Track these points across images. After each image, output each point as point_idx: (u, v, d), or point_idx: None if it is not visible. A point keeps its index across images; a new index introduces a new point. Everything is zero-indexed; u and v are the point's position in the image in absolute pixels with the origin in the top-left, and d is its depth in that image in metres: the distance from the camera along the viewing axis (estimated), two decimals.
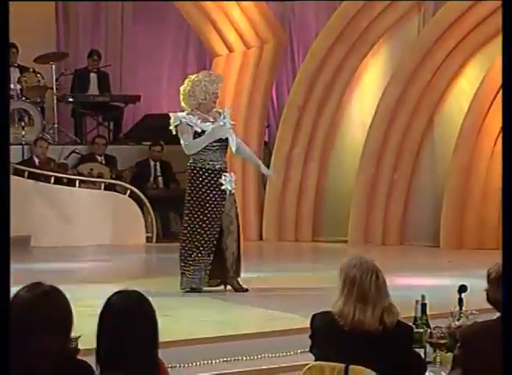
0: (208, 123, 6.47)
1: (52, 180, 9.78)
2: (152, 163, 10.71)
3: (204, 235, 6.41)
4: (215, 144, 6.48)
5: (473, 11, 9.54)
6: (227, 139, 6.54)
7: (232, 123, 6.68)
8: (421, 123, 9.86)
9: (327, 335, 3.31)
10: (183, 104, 6.63)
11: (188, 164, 6.62)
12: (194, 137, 6.48)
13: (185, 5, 10.43)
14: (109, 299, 2.73)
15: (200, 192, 6.43)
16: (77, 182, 9.87)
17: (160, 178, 10.70)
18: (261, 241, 10.32)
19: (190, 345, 4.87)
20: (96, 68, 11.45)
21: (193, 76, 6.72)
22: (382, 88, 9.90)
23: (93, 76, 11.41)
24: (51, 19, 11.94)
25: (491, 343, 3.10)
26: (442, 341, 3.53)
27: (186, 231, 6.52)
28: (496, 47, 9.62)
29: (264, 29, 10.33)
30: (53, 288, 2.64)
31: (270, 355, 4.85)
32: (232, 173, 6.59)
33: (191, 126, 6.46)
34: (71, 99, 11.23)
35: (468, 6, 9.54)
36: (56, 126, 11.07)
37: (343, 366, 3.13)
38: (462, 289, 3.81)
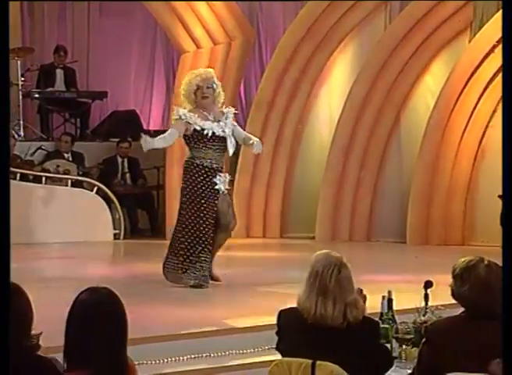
0: (208, 122, 6.50)
1: (18, 177, 9.70)
2: (120, 160, 10.66)
3: (204, 231, 6.48)
4: (215, 143, 6.53)
5: (438, 8, 9.63)
6: (226, 139, 6.57)
7: (234, 123, 6.70)
8: (388, 119, 9.92)
9: (293, 331, 3.32)
10: (184, 105, 6.66)
11: (186, 159, 6.68)
12: (193, 135, 6.52)
13: (152, 1, 10.39)
14: (79, 296, 2.72)
15: (196, 188, 6.51)
16: (44, 179, 9.79)
17: (128, 175, 10.66)
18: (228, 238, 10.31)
19: (158, 342, 4.86)
20: (62, 64, 11.36)
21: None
22: (350, 85, 9.94)
23: (59, 72, 11.32)
24: (16, 13, 11.82)
25: (456, 338, 3.14)
26: (408, 337, 3.56)
27: (183, 226, 6.56)
28: (462, 44, 9.72)
29: (231, 26, 10.33)
30: (14, 286, 2.63)
31: (237, 352, 4.86)
32: (227, 174, 6.67)
33: (190, 123, 6.50)
34: (37, 95, 11.13)
35: (434, 4, 9.62)
36: (22, 122, 10.97)
37: (309, 361, 3.15)
38: (428, 285, 3.86)
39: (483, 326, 3.14)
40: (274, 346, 3.48)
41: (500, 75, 9.50)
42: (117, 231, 9.97)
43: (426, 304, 3.80)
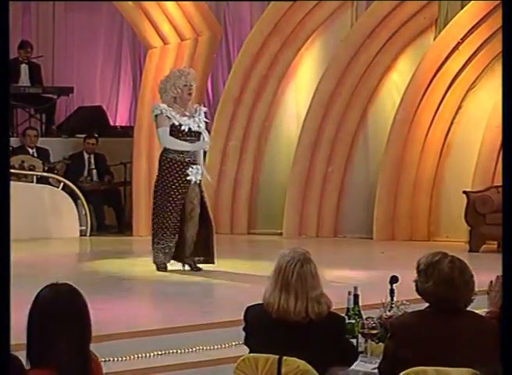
0: (185, 118, 6.88)
1: None
2: (86, 156, 10.59)
3: (168, 219, 6.91)
4: (188, 138, 6.88)
5: (404, 5, 9.69)
6: (200, 134, 6.93)
7: (206, 120, 7.07)
8: (355, 115, 9.97)
9: (259, 326, 3.33)
10: (160, 101, 7.01)
11: (161, 152, 7.08)
12: (171, 130, 6.86)
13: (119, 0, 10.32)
14: (40, 292, 2.70)
15: (167, 181, 6.90)
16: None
17: (94, 171, 10.60)
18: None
19: (125, 339, 4.84)
20: (27, 59, 11.26)
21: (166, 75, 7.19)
22: (317, 81, 9.98)
23: (24, 67, 11.20)
24: None
25: (420, 332, 3.17)
26: (374, 332, 3.58)
27: (153, 215, 7.05)
28: (427, 41, 9.80)
29: (198, 21, 10.30)
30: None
31: (205, 348, 4.87)
32: (199, 166, 6.97)
33: (170, 118, 6.84)
34: None
35: (399, 1, 9.68)
36: None
37: (276, 357, 3.16)
38: (393, 280, 3.88)
39: (447, 320, 3.17)
40: (241, 342, 3.49)
41: (465, 71, 9.60)
42: (83, 228, 9.91)
43: (392, 299, 3.82)
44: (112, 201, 10.60)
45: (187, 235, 6.98)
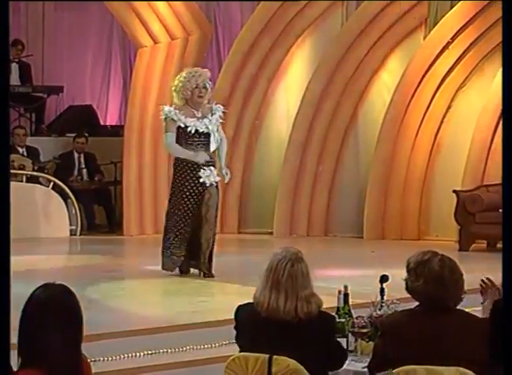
0: (192, 119, 6.73)
1: None
2: (76, 155, 10.57)
3: (180, 222, 6.79)
4: (196, 140, 6.76)
5: (395, 5, 9.71)
6: (209, 135, 6.80)
7: (221, 120, 6.92)
8: (345, 115, 9.99)
9: (249, 325, 3.34)
10: (175, 100, 6.91)
11: (175, 157, 6.97)
12: (178, 132, 6.77)
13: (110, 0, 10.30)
14: (33, 292, 2.70)
15: (180, 184, 6.79)
16: None
17: (84, 170, 10.58)
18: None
19: (115, 338, 4.84)
20: (17, 58, 11.22)
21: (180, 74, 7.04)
22: (307, 80, 9.98)
23: (14, 66, 11.17)
24: None
25: (410, 331, 3.18)
26: (364, 331, 3.59)
27: (166, 218, 6.95)
28: (417, 41, 9.82)
29: (189, 20, 10.29)
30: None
31: (195, 347, 4.86)
32: (213, 168, 6.83)
33: (175, 120, 6.75)
34: None
35: (389, 1, 9.70)
36: None
37: (266, 356, 3.16)
38: (383, 279, 3.89)
39: (437, 319, 3.18)
40: (232, 341, 3.49)
41: (454, 71, 9.62)
42: (73, 227, 9.89)
43: (382, 298, 3.83)
44: (102, 201, 10.58)
45: (202, 240, 6.77)
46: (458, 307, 3.24)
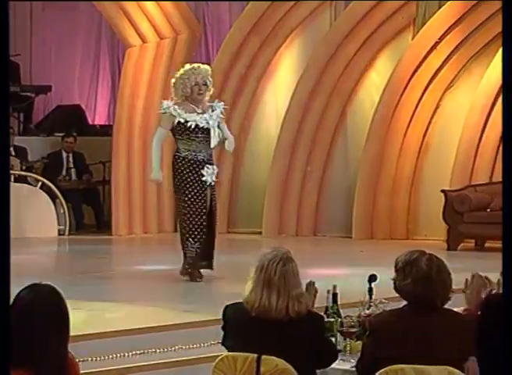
0: (192, 114, 6.56)
1: None
2: (65, 155, 10.55)
3: (194, 222, 6.54)
4: (199, 135, 6.56)
5: (382, 5, 9.73)
6: (210, 131, 6.60)
7: (222, 116, 6.67)
8: (334, 114, 10.00)
9: (238, 325, 3.34)
10: (172, 96, 6.73)
11: (173, 153, 6.73)
12: (178, 127, 6.58)
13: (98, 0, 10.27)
14: (20, 293, 2.69)
15: (181, 180, 6.55)
16: None
17: (73, 170, 10.56)
18: (175, 233, 10.30)
19: (103, 338, 4.83)
20: None
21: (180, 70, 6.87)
22: (296, 80, 9.99)
23: None
24: None
25: (398, 330, 3.18)
26: (353, 330, 3.60)
27: (179, 218, 6.75)
28: (405, 41, 9.84)
29: (177, 20, 10.29)
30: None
31: (183, 347, 4.86)
32: (215, 166, 6.68)
33: (175, 116, 6.55)
34: None
35: (378, 1, 9.72)
36: None
37: (255, 356, 3.17)
38: (372, 278, 3.90)
39: (425, 318, 3.19)
40: (220, 341, 3.49)
41: (443, 71, 9.65)
42: (62, 227, 9.87)
43: (370, 297, 3.84)
44: (90, 200, 10.56)
45: (212, 238, 6.67)
46: (446, 306, 3.25)
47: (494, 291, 3.55)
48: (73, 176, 10.56)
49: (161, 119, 6.70)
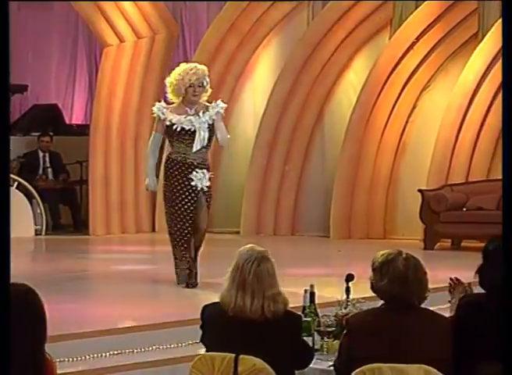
0: (180, 117, 6.26)
1: None
2: (41, 154, 10.50)
3: (181, 230, 6.26)
4: (186, 138, 6.27)
5: (360, 5, 9.77)
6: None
7: (214, 117, 6.30)
8: (312, 114, 10.03)
9: (215, 324, 3.34)
10: (170, 97, 6.45)
11: (166, 155, 6.52)
12: (168, 130, 6.29)
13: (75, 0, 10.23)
14: None
15: (173, 186, 6.26)
16: None
17: (49, 169, 10.50)
18: (153, 233, 10.29)
19: (80, 338, 4.81)
20: None
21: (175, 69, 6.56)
22: (274, 80, 10.01)
23: None
24: None
25: (376, 329, 3.20)
26: (330, 329, 3.61)
27: (167, 225, 6.40)
28: (382, 41, 9.89)
29: (155, 19, 10.27)
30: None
31: (161, 347, 4.85)
32: (205, 171, 6.30)
33: (163, 119, 6.30)
34: None
35: (355, 1, 9.75)
36: None
37: (232, 355, 3.17)
38: (349, 278, 3.91)
39: (402, 318, 3.20)
40: (198, 341, 3.49)
41: (420, 71, 9.71)
42: (38, 227, 9.82)
43: (347, 297, 3.85)
44: (67, 200, 10.51)
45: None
46: (423, 305, 3.27)
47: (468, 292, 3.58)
48: (50, 176, 10.50)
49: (156, 123, 6.43)
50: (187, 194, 6.23)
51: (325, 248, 9.08)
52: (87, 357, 4.63)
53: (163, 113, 6.33)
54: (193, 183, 6.23)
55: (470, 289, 3.59)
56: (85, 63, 12.38)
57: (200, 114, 6.30)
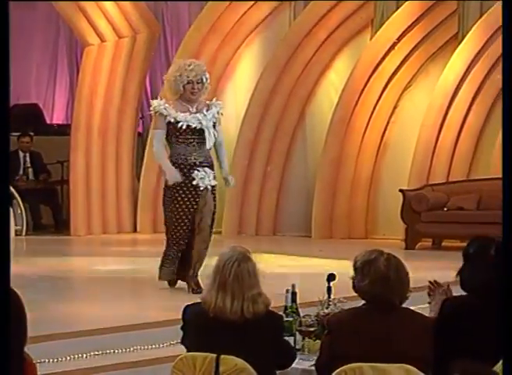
0: (184, 114, 6.01)
1: None
2: (22, 154, 10.44)
3: (176, 231, 6.07)
4: (189, 137, 6.01)
5: (342, 5, 9.79)
6: (204, 132, 6.06)
7: (216, 116, 6.13)
8: (293, 114, 10.03)
9: (197, 325, 3.33)
10: (167, 94, 6.20)
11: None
12: (168, 128, 6.01)
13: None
14: None
15: (172, 187, 6.02)
16: None
17: (30, 169, 10.45)
18: (135, 233, 10.26)
19: (61, 339, 4.79)
20: None
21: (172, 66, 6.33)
22: (255, 80, 10.01)
23: None
24: None
25: (356, 329, 3.21)
26: (311, 329, 3.61)
27: (165, 226, 6.24)
28: (364, 41, 9.92)
29: (136, 19, 10.24)
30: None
31: (142, 348, 4.84)
32: (208, 169, 6.07)
33: (165, 115, 6.00)
34: None
35: (336, 1, 9.77)
36: None
37: (214, 355, 3.16)
38: (330, 278, 3.92)
39: (383, 317, 3.21)
40: (179, 341, 3.48)
41: (401, 71, 9.74)
42: (19, 227, 9.76)
43: (329, 297, 3.86)
44: (48, 200, 10.46)
45: (194, 251, 6.06)
46: (404, 305, 3.28)
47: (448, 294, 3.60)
48: (31, 176, 10.45)
49: (155, 119, 6.14)
50: (187, 193, 6.02)
51: (307, 248, 9.09)
52: (68, 358, 4.62)
53: (165, 109, 6.02)
54: (194, 183, 6.01)
55: (449, 290, 3.61)
56: (66, 63, 12.32)
57: (205, 112, 6.08)
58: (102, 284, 6.72)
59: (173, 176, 6.02)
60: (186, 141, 6.02)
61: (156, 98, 6.34)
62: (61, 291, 6.40)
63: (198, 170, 6.02)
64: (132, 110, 10.48)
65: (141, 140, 10.84)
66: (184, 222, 6.05)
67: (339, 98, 9.65)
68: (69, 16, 10.15)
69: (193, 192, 6.02)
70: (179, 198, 6.02)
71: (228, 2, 10.05)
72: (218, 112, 6.17)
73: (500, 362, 3.06)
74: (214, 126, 6.13)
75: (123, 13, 10.18)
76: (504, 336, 2.49)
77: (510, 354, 2.45)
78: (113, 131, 10.25)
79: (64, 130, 11.04)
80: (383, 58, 9.60)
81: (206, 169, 6.06)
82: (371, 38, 9.78)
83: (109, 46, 10.16)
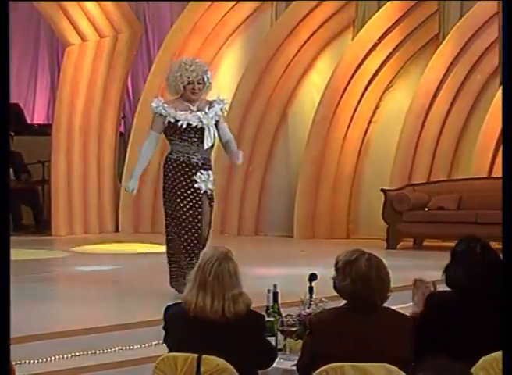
0: (184, 113, 5.82)
1: None
2: None
3: (187, 235, 5.80)
4: (192, 135, 5.83)
5: (323, 5, 9.81)
6: (204, 130, 5.88)
7: (219, 113, 5.95)
8: (275, 115, 10.04)
9: (178, 325, 3.33)
10: (168, 92, 6.04)
11: (165, 155, 5.98)
12: (169, 127, 5.84)
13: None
14: None
15: (172, 186, 5.82)
16: None
17: (10, 169, 10.39)
18: (116, 233, 10.24)
19: (42, 340, 4.77)
20: None
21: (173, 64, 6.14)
22: (237, 80, 10.01)
23: None
24: None
25: (338, 329, 3.21)
26: (293, 329, 3.62)
27: (167, 230, 5.97)
28: (345, 41, 9.94)
29: (118, 19, 10.21)
30: None
31: (124, 348, 4.83)
32: (210, 172, 5.91)
33: (165, 115, 5.82)
34: None
35: (318, 2, 9.79)
36: None
37: (195, 356, 3.16)
38: (312, 277, 3.93)
39: (364, 317, 3.22)
40: (161, 341, 3.48)
41: (382, 71, 9.77)
42: None
43: (311, 296, 3.87)
44: (29, 201, 10.41)
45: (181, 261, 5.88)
46: (385, 304, 3.29)
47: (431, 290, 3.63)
48: (11, 176, 10.39)
49: (153, 119, 5.93)
50: (192, 197, 5.80)
51: (289, 248, 9.10)
52: (50, 359, 4.60)
53: (164, 109, 5.84)
54: (196, 186, 5.81)
55: (434, 287, 3.65)
56: (47, 62, 12.27)
57: (206, 110, 5.90)
58: (83, 284, 6.69)
59: (132, 186, 5.90)
60: (188, 140, 5.85)
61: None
62: (42, 292, 6.36)
63: (201, 173, 5.86)
64: (113, 110, 10.45)
65: (123, 140, 10.81)
66: (193, 226, 5.80)
67: (321, 97, 9.67)
68: (51, 15, 10.10)
69: (197, 197, 5.82)
70: (184, 203, 5.80)
71: (209, 2, 10.04)
72: (221, 109, 5.99)
73: (480, 361, 3.09)
74: (217, 124, 5.96)
75: (105, 13, 10.15)
76: (504, 336, 2.50)
77: (510, 354, 2.46)
78: (94, 131, 10.22)
79: (45, 129, 11.00)
80: (365, 58, 9.62)
81: (209, 172, 5.92)
82: (352, 38, 9.81)
83: (91, 46, 10.13)
